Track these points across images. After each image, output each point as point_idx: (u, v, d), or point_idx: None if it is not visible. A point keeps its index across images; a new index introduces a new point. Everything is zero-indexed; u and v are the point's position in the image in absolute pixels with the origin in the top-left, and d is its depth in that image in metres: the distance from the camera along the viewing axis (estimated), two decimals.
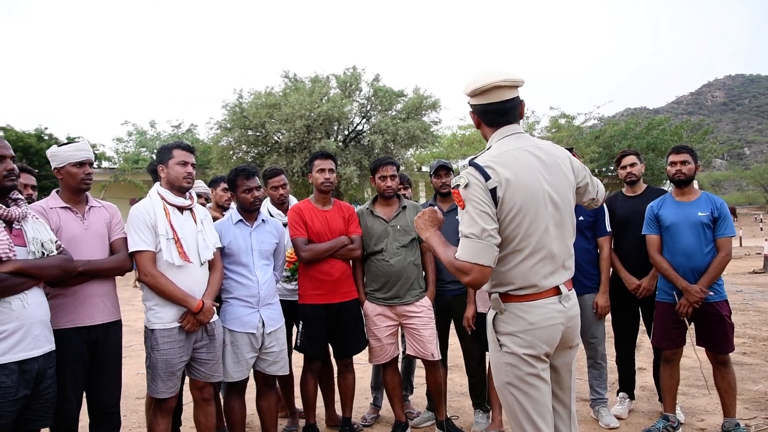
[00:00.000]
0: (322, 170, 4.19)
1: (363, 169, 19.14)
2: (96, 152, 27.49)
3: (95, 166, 27.70)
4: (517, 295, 2.37)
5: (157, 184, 3.57)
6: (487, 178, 2.27)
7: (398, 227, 4.19)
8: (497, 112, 2.45)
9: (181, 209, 3.52)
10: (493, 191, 2.27)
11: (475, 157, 2.40)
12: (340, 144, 20.78)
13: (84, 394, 3.24)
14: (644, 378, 5.29)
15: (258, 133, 20.58)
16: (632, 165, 4.54)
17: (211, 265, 3.61)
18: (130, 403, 5.29)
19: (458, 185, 2.31)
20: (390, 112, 21.33)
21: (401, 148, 21.51)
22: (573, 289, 2.49)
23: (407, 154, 22.77)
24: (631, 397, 4.63)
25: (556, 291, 2.42)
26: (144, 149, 26.38)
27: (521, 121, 2.58)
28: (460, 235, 2.27)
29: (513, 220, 2.31)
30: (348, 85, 21.12)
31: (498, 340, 2.40)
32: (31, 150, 22.03)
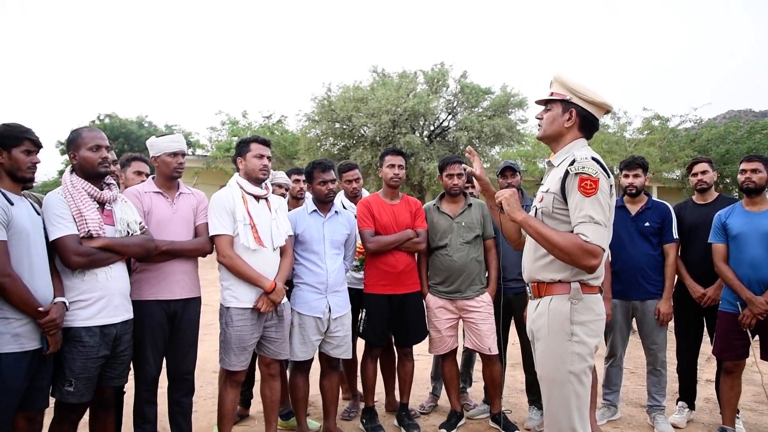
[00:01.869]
0: (392, 166, 4.39)
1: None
2: (191, 140, 28.91)
3: (190, 153, 29.21)
4: (591, 286, 2.55)
5: (237, 174, 3.88)
6: (608, 175, 2.50)
7: (463, 224, 4.34)
8: (595, 127, 2.72)
9: (257, 198, 3.81)
10: (610, 188, 2.50)
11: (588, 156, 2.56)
12: (425, 139, 20.91)
13: (164, 361, 3.62)
14: (710, 390, 5.19)
15: (345, 126, 20.97)
16: (704, 173, 4.50)
17: (283, 251, 3.89)
18: (207, 376, 5.71)
19: (587, 173, 2.46)
20: (476, 109, 21.25)
21: (486, 146, 21.42)
22: None
23: (492, 151, 22.65)
24: (691, 407, 4.59)
25: None
26: (236, 138, 27.42)
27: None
28: (586, 220, 2.43)
29: (610, 218, 2.52)
30: (435, 81, 21.19)
31: (571, 330, 2.51)
32: (132, 136, 23.54)
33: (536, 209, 2.68)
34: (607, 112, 2.69)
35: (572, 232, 2.47)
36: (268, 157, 3.86)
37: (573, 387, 2.48)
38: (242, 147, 3.87)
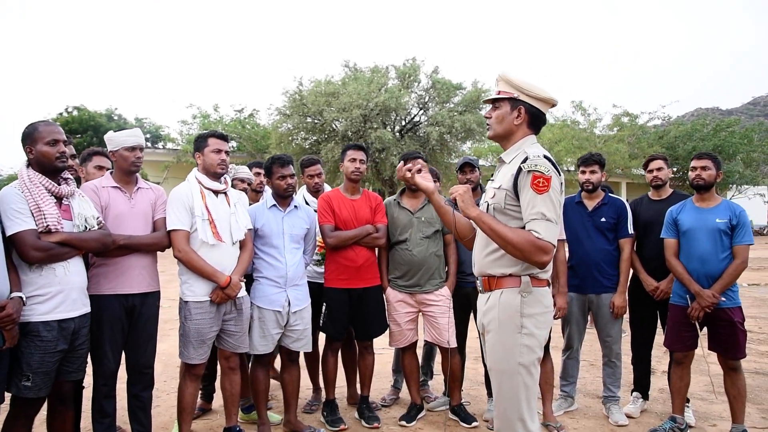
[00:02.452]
0: (354, 160, 4.43)
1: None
2: (161, 133, 28.57)
3: (160, 146, 28.91)
4: (540, 279, 2.61)
5: (195, 169, 3.88)
6: (559, 173, 2.55)
7: (423, 219, 4.39)
8: (543, 122, 2.77)
9: (216, 193, 3.82)
10: (560, 186, 2.56)
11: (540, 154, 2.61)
12: (397, 134, 21.01)
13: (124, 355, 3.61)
14: (665, 381, 5.31)
15: (316, 121, 20.99)
16: (659, 169, 4.61)
17: (243, 244, 3.91)
18: (171, 371, 5.71)
19: (540, 171, 2.50)
20: (447, 104, 21.43)
21: (457, 141, 21.62)
22: None
23: (463, 146, 22.83)
24: (645, 397, 4.72)
25: None
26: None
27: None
28: (538, 217, 2.47)
29: (560, 214, 2.60)
30: (407, 76, 21.30)
31: (521, 323, 2.56)
32: (101, 129, 23.24)
33: (488, 205, 2.72)
34: (553, 106, 2.74)
35: (524, 228, 2.53)
36: (226, 152, 3.88)
37: (522, 378, 2.54)
38: (200, 142, 3.88)
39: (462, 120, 19.84)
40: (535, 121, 2.72)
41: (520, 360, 2.54)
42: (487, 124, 2.83)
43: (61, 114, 29.04)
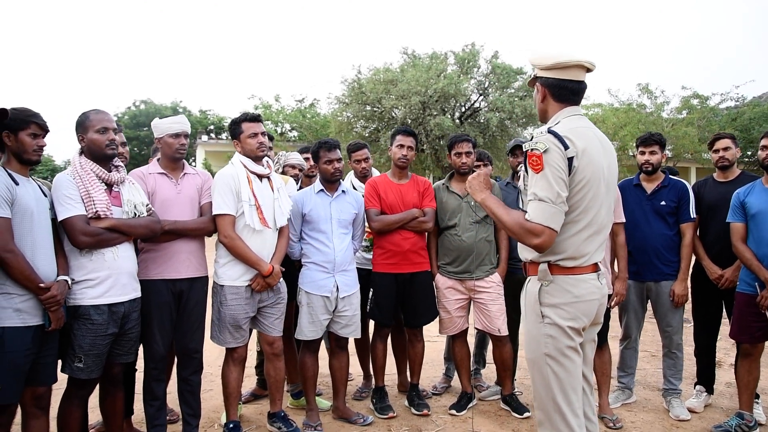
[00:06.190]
0: (402, 146, 4.35)
1: (477, 146, 19.02)
2: (224, 124, 29.16)
3: (223, 137, 29.54)
4: (564, 267, 2.45)
5: (237, 153, 3.85)
6: (566, 147, 2.35)
7: (472, 203, 4.27)
8: (572, 90, 2.53)
9: (260, 177, 3.81)
10: (570, 160, 2.35)
11: (545, 129, 2.47)
12: (456, 121, 20.74)
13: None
14: (731, 374, 5.03)
15: (375, 109, 20.92)
16: (726, 149, 4.33)
17: (281, 231, 3.89)
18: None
19: (535, 149, 2.36)
20: (508, 89, 20.99)
21: (518, 127, 21.17)
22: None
23: (525, 132, 22.37)
24: (710, 391, 4.47)
25: (596, 267, 2.52)
26: (269, 122, 27.60)
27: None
28: (531, 198, 2.36)
29: (580, 191, 2.39)
30: (466, 61, 20.97)
31: (541, 312, 2.46)
32: None
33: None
34: (588, 70, 2.53)
35: None
36: (263, 133, 3.83)
37: (551, 369, 2.43)
38: (234, 129, 3.84)
39: (523, 105, 19.41)
40: (559, 91, 2.53)
41: (545, 350, 2.44)
42: None
43: (129, 108, 30.19)
